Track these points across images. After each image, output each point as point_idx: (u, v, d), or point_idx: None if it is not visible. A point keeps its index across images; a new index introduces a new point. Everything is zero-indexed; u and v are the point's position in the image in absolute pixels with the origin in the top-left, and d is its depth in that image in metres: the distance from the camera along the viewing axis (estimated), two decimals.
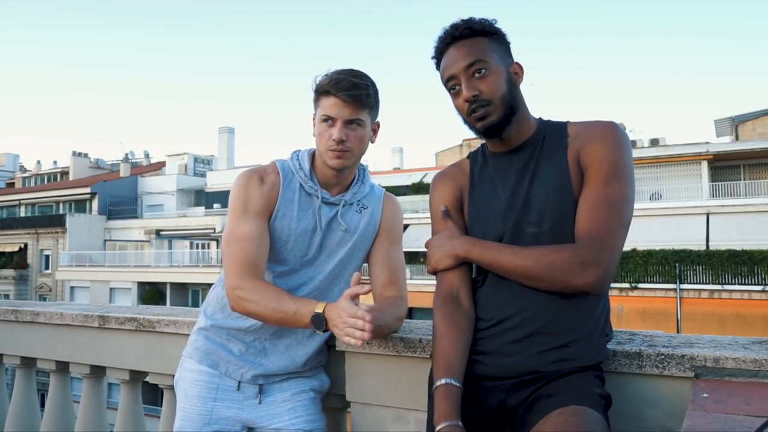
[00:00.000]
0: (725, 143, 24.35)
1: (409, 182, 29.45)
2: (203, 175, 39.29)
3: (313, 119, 1.64)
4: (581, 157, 1.35)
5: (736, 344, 1.42)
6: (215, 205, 33.49)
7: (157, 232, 33.69)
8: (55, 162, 49.78)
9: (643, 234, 19.30)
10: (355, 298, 1.40)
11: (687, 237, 20.39)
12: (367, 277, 1.68)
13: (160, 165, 43.04)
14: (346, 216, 1.69)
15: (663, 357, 1.37)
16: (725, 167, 23.27)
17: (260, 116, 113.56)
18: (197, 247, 32.89)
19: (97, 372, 2.48)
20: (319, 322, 1.43)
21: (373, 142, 1.66)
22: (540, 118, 1.47)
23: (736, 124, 26.51)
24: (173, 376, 1.84)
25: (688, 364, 1.34)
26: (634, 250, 20.02)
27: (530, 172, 1.39)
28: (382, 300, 1.67)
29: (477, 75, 1.36)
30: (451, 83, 1.40)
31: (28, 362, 2.68)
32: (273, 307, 1.49)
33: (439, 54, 1.43)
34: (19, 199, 41.13)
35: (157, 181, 38.73)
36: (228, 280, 1.57)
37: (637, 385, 1.40)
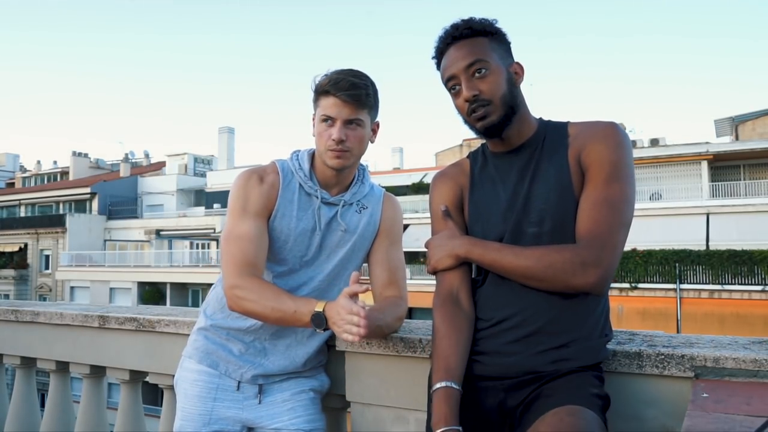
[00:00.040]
0: (725, 143, 24.35)
1: (409, 182, 29.46)
2: (203, 175, 39.30)
3: (313, 119, 1.64)
4: (582, 158, 1.35)
5: (736, 344, 1.42)
6: (215, 205, 33.50)
7: (157, 232, 33.69)
8: (55, 162, 49.83)
9: (643, 234, 19.30)
10: (353, 296, 1.40)
11: (687, 237, 20.39)
12: (367, 277, 1.68)
13: (160, 165, 43.05)
14: (346, 216, 1.69)
15: (663, 357, 1.37)
16: (725, 167, 23.28)
17: (260, 116, 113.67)
18: (197, 247, 32.91)
19: (97, 372, 2.48)
20: (320, 320, 1.43)
21: (372, 142, 1.66)
22: (540, 118, 1.47)
23: (736, 124, 26.52)
24: (173, 376, 1.84)
25: (688, 364, 1.34)
26: (634, 250, 20.02)
27: (531, 172, 1.39)
28: (382, 300, 1.67)
29: (477, 75, 1.36)
30: (451, 83, 1.40)
31: (28, 362, 2.68)
32: (272, 306, 1.49)
33: (440, 54, 1.43)
34: (19, 199, 41.14)
35: (157, 181, 38.74)
36: (226, 280, 1.57)
37: (637, 385, 1.40)
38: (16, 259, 35.48)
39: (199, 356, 1.73)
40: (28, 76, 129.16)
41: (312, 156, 1.70)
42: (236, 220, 1.60)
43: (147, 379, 2.37)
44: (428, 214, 1.56)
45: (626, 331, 1.60)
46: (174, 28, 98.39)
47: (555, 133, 1.42)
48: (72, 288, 32.84)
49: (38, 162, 50.44)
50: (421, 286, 17.66)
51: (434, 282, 1.48)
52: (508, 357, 1.34)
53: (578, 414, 1.17)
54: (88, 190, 36.75)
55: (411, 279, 20.11)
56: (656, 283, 20.16)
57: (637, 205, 1.36)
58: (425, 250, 1.51)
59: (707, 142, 23.84)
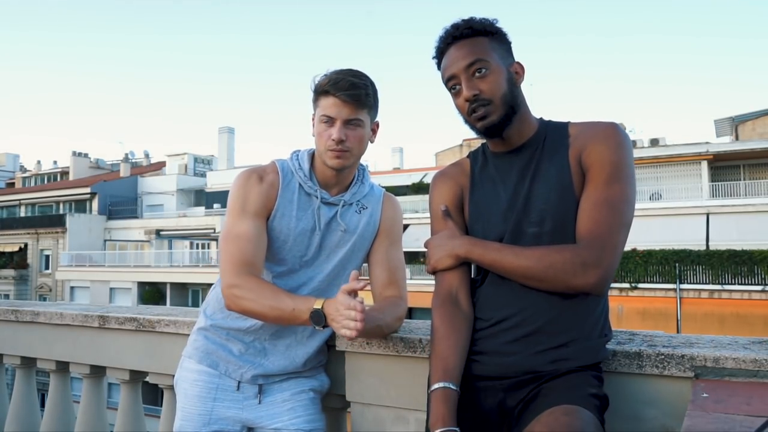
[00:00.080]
0: (725, 143, 24.36)
1: (409, 182, 29.46)
2: (203, 175, 39.30)
3: (312, 119, 1.64)
4: (583, 158, 1.35)
5: (736, 344, 1.41)
6: (215, 205, 33.50)
7: (157, 232, 33.69)
8: (55, 162, 49.84)
9: (643, 234, 19.30)
10: (351, 293, 1.40)
11: (687, 237, 20.39)
12: (367, 277, 1.68)
13: (160, 165, 43.06)
14: (346, 216, 1.69)
15: (663, 357, 1.37)
16: (725, 167, 23.28)
17: (260, 115, 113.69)
18: (197, 247, 32.91)
19: (97, 372, 2.48)
20: (319, 318, 1.43)
21: (372, 142, 1.66)
22: (541, 119, 1.47)
23: (736, 124, 26.53)
24: (173, 376, 1.84)
25: (688, 364, 1.34)
26: (634, 250, 20.02)
27: (531, 172, 1.39)
28: (382, 300, 1.67)
29: (477, 74, 1.36)
30: (451, 83, 1.40)
31: (28, 362, 2.68)
32: (270, 304, 1.49)
33: (440, 54, 1.43)
34: (19, 199, 41.15)
35: (157, 181, 38.74)
36: (225, 279, 1.56)
37: (637, 385, 1.40)
38: (16, 259, 35.48)
39: (199, 356, 1.73)
40: (28, 75, 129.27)
41: (312, 156, 1.70)
42: (235, 220, 1.60)
43: (147, 379, 2.37)
44: (428, 214, 1.56)
45: (626, 331, 1.60)
46: (174, 27, 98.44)
47: (556, 133, 1.42)
48: (72, 288, 32.83)
49: (38, 162, 50.47)
50: (421, 286, 17.65)
51: (434, 282, 1.48)
52: (508, 357, 1.34)
53: (574, 414, 1.17)
54: (88, 190, 36.75)
55: (411, 279, 20.10)
56: (656, 283, 20.16)
57: (637, 205, 1.36)
58: (425, 250, 1.51)
59: (707, 142, 23.84)
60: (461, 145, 29.82)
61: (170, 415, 2.19)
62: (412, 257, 22.53)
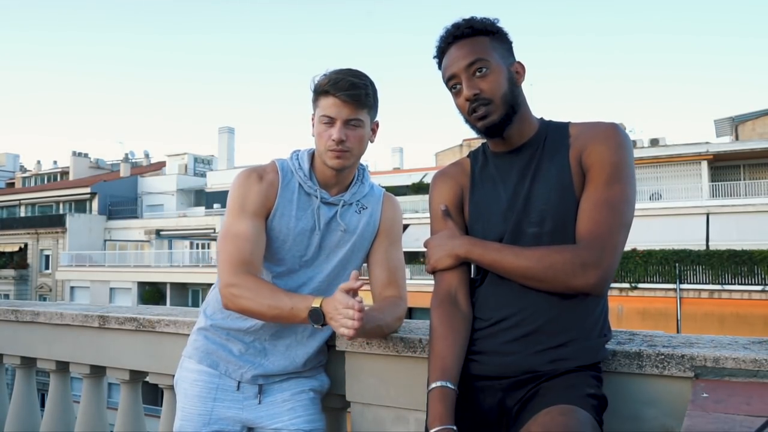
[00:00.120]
0: (725, 143, 24.36)
1: (409, 182, 29.46)
2: (203, 175, 39.30)
3: (312, 119, 1.64)
4: (583, 158, 1.35)
5: (736, 344, 1.41)
6: (215, 205, 33.50)
7: (157, 232, 33.69)
8: (55, 162, 49.85)
9: (643, 234, 19.30)
10: (349, 292, 1.40)
11: (687, 237, 20.39)
12: (367, 277, 1.68)
13: (160, 165, 43.06)
14: (346, 216, 1.69)
15: (663, 357, 1.37)
16: (725, 167, 23.28)
17: (260, 115, 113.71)
18: (197, 247, 32.91)
19: (97, 372, 2.48)
20: (317, 316, 1.43)
21: (372, 142, 1.66)
22: (541, 118, 1.47)
23: (736, 124, 26.52)
24: (173, 376, 1.84)
25: (688, 364, 1.34)
26: (634, 250, 20.02)
27: (531, 172, 1.39)
28: (382, 300, 1.67)
29: (478, 74, 1.36)
30: (452, 82, 1.40)
31: (28, 362, 2.68)
32: (269, 303, 1.49)
33: (441, 53, 1.43)
34: (19, 199, 41.15)
35: (157, 181, 38.74)
36: (222, 278, 1.56)
37: (637, 385, 1.40)
38: (16, 259, 35.48)
39: (199, 356, 1.73)
40: (27, 75, 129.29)
41: (312, 156, 1.70)
42: (234, 219, 1.60)
43: (147, 379, 2.37)
44: (428, 214, 1.56)
45: (626, 331, 1.60)
46: (174, 27, 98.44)
47: (556, 133, 1.42)
48: (72, 288, 32.84)
49: (38, 162, 50.47)
50: (420, 286, 17.64)
51: (433, 282, 1.48)
52: (507, 356, 1.34)
53: (570, 414, 1.17)
54: (88, 190, 36.76)
55: (411, 279, 20.10)
56: (656, 283, 20.16)
57: (637, 205, 1.36)
58: (425, 249, 1.51)
59: (707, 142, 23.84)
60: (461, 145, 29.82)
61: (170, 415, 2.19)
62: (412, 257, 22.53)
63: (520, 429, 1.23)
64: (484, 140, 1.51)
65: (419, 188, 27.77)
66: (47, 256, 34.85)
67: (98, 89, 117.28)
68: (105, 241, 35.22)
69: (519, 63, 1.42)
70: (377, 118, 1.66)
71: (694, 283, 19.70)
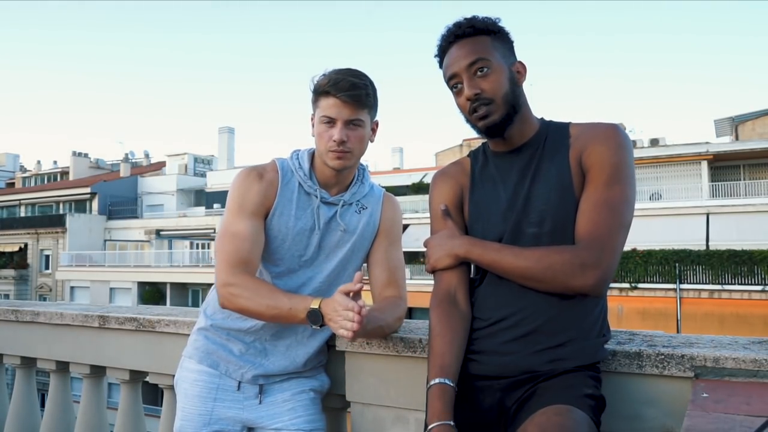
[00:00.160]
0: (725, 143, 24.36)
1: (409, 182, 29.46)
2: (203, 175, 39.30)
3: (312, 120, 1.63)
4: (583, 159, 1.35)
5: (736, 344, 1.41)
6: (215, 205, 33.50)
7: (157, 232, 33.69)
8: (55, 162, 49.85)
9: (643, 234, 19.30)
10: (348, 294, 1.40)
11: (687, 237, 20.39)
12: (366, 277, 1.68)
13: (160, 165, 43.06)
14: (345, 216, 1.69)
15: (663, 357, 1.36)
16: (725, 167, 23.28)
17: (260, 114, 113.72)
18: (197, 247, 32.90)
19: (97, 372, 2.48)
20: (315, 317, 1.43)
21: (372, 141, 1.66)
22: (542, 119, 1.47)
23: (736, 124, 26.52)
24: (173, 376, 1.84)
25: (688, 364, 1.34)
26: (634, 250, 20.02)
27: (531, 172, 1.39)
28: (382, 300, 1.66)
29: (479, 74, 1.36)
30: (453, 81, 1.40)
31: (28, 362, 2.68)
32: (267, 303, 1.49)
33: (442, 52, 1.43)
34: (19, 199, 41.15)
35: (157, 181, 38.74)
36: (220, 277, 1.56)
37: (637, 385, 1.40)
38: (16, 259, 35.48)
39: (200, 356, 1.73)
40: (27, 74, 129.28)
41: (312, 155, 1.70)
42: (233, 218, 1.60)
43: (147, 379, 2.37)
44: (428, 214, 1.56)
45: (626, 331, 1.60)
46: (174, 26, 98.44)
47: (557, 133, 1.42)
48: (72, 288, 32.84)
49: (38, 162, 50.47)
50: (420, 286, 17.65)
51: (433, 282, 1.48)
52: (505, 356, 1.34)
53: (566, 414, 1.18)
54: (88, 190, 36.76)
55: (411, 279, 20.10)
56: (656, 283, 20.16)
57: (637, 205, 1.36)
58: (425, 249, 1.51)
59: (707, 142, 23.84)
60: (461, 145, 29.82)
61: (170, 415, 2.19)
62: (412, 257, 22.53)
63: (517, 429, 1.23)
64: (485, 140, 1.51)
65: (419, 188, 27.77)
66: (47, 256, 34.85)
67: (98, 88, 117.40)
68: (105, 241, 35.23)
69: (520, 63, 1.42)
70: (377, 118, 1.66)
71: (694, 283, 19.70)
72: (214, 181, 35.47)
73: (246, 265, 1.56)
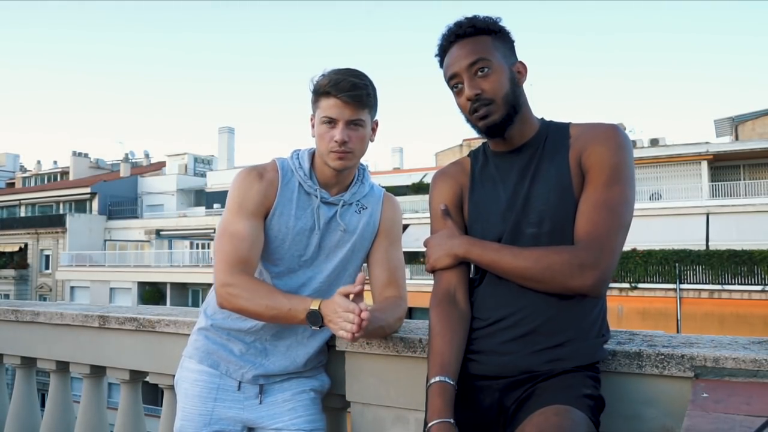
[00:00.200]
0: (725, 143, 24.36)
1: (409, 182, 29.46)
2: (203, 175, 39.30)
3: (311, 120, 1.63)
4: (583, 159, 1.35)
5: (736, 344, 1.42)
6: (215, 205, 33.50)
7: (157, 232, 33.69)
8: (55, 162, 49.85)
9: (643, 234, 19.30)
10: (348, 296, 1.40)
11: (687, 237, 20.40)
12: (366, 278, 1.68)
13: (160, 165, 43.06)
14: (345, 216, 1.69)
15: (663, 357, 1.37)
16: (725, 167, 23.28)
17: (260, 113, 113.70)
18: (197, 247, 32.91)
19: (97, 372, 2.48)
20: (315, 318, 1.43)
21: (372, 141, 1.66)
22: (542, 119, 1.47)
23: (736, 124, 26.52)
24: (173, 376, 1.84)
25: (688, 364, 1.34)
26: (634, 250, 20.02)
27: (531, 172, 1.39)
28: (382, 300, 1.67)
29: (480, 74, 1.36)
30: (453, 81, 1.40)
31: (28, 362, 2.68)
32: (267, 304, 1.49)
33: (443, 52, 1.43)
34: (19, 199, 41.15)
35: (157, 181, 38.74)
36: (218, 277, 1.56)
37: (637, 384, 1.40)
38: (16, 259, 35.48)
39: (200, 356, 1.73)
40: (27, 74, 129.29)
41: (312, 155, 1.70)
42: (232, 218, 1.60)
43: (147, 379, 2.37)
44: (428, 214, 1.56)
45: (626, 331, 1.60)
46: (174, 26, 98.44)
47: (557, 133, 1.42)
48: (72, 288, 32.84)
49: (38, 162, 50.47)
50: (420, 286, 17.65)
51: (433, 281, 1.48)
52: (504, 356, 1.34)
53: (564, 414, 1.18)
54: (88, 190, 36.76)
55: (411, 279, 20.11)
56: (656, 283, 20.16)
57: (637, 205, 1.36)
58: (425, 249, 1.51)
59: (707, 142, 23.85)
60: (461, 145, 29.82)
61: (170, 415, 2.19)
62: (412, 257, 22.53)
63: (516, 429, 1.23)
64: (485, 140, 1.51)
65: (419, 188, 27.77)
66: (47, 256, 34.86)
67: (98, 88, 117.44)
68: (105, 241, 35.23)
69: (521, 63, 1.42)
70: (376, 117, 1.66)
71: (694, 283, 19.70)
72: (214, 181, 35.47)
73: (245, 266, 1.56)
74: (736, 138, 25.77)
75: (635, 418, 1.39)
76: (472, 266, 1.47)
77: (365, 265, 1.78)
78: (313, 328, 1.46)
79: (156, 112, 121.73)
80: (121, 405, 2.42)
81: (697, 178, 22.66)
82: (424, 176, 28.72)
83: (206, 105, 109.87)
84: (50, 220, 35.35)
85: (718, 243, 19.87)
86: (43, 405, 2.65)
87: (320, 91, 1.56)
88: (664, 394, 1.37)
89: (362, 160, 1.72)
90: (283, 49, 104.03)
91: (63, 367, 2.57)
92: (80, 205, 37.78)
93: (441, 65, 1.44)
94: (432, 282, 1.49)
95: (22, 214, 40.11)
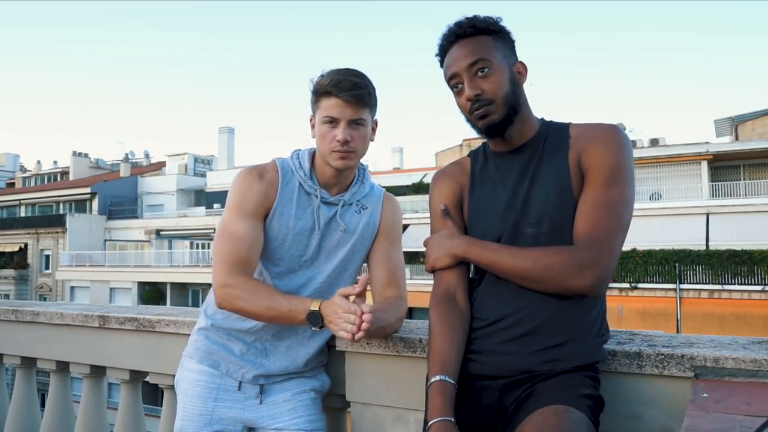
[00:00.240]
0: (725, 143, 24.36)
1: (409, 182, 29.46)
2: (203, 175, 39.30)
3: (311, 121, 1.63)
4: (582, 159, 1.35)
5: (736, 344, 1.42)
6: (215, 205, 33.50)
7: (157, 232, 33.69)
8: (55, 162, 49.84)
9: (643, 234, 19.31)
10: (347, 297, 1.41)
11: (687, 237, 20.40)
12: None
13: (160, 165, 43.06)
14: (345, 216, 1.69)
15: (663, 357, 1.37)
16: (725, 167, 23.28)
17: (261, 113, 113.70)
18: (197, 247, 32.90)
19: (97, 372, 2.48)
20: (315, 319, 1.44)
21: (372, 141, 1.66)
22: (542, 119, 1.47)
23: (735, 124, 26.52)
24: (173, 376, 1.84)
25: (688, 364, 1.34)
26: (634, 250, 20.02)
27: (531, 172, 1.39)
28: (383, 300, 1.67)
29: (480, 74, 1.36)
30: (453, 81, 1.40)
31: (28, 362, 2.68)
32: (266, 305, 1.50)
33: (443, 51, 1.43)
34: (19, 199, 41.14)
35: (157, 181, 38.74)
36: (217, 277, 1.56)
37: (637, 384, 1.40)
38: (16, 259, 35.48)
39: (200, 356, 1.73)
40: (28, 73, 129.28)
41: (313, 155, 1.70)
42: (232, 218, 1.60)
43: (147, 379, 2.37)
44: (428, 214, 1.56)
45: (626, 331, 1.60)
46: (174, 26, 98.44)
47: (557, 133, 1.42)
48: (72, 288, 32.84)
49: (38, 162, 50.46)
50: (420, 286, 17.64)
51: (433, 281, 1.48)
52: (503, 356, 1.34)
53: (564, 414, 1.18)
54: (88, 190, 36.76)
55: (411, 279, 20.10)
56: (656, 283, 20.16)
57: (637, 205, 1.36)
58: (425, 249, 1.51)
59: (707, 142, 23.84)
60: (461, 145, 29.82)
61: (170, 415, 2.19)
62: (412, 257, 22.53)
63: (515, 429, 1.23)
64: (485, 140, 1.51)
65: (419, 188, 27.77)
66: (47, 256, 34.85)
67: (98, 88, 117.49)
68: (105, 241, 35.22)
69: (521, 63, 1.42)
70: (376, 117, 1.66)
71: (694, 283, 19.70)
72: (214, 181, 35.46)
73: (244, 266, 1.56)
74: (736, 138, 25.77)
75: (635, 418, 1.39)
76: (471, 266, 1.47)
77: (365, 265, 1.78)
78: (313, 329, 1.46)
79: (156, 112, 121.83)
80: (121, 405, 2.42)
81: (697, 178, 22.66)
82: (424, 176, 28.72)
83: (206, 105, 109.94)
84: (50, 220, 35.35)
85: (718, 243, 19.87)
86: (43, 405, 2.65)
87: (321, 91, 1.56)
88: (664, 394, 1.37)
89: (362, 160, 1.72)
90: (283, 49, 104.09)
91: (63, 367, 2.57)
92: (80, 205, 37.78)
93: (441, 65, 1.44)
94: (432, 282, 1.49)
95: (22, 214, 40.11)
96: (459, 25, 1.39)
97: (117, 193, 37.34)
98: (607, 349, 1.40)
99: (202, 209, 35.13)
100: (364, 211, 1.71)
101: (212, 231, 30.77)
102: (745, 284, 19.07)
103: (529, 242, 1.35)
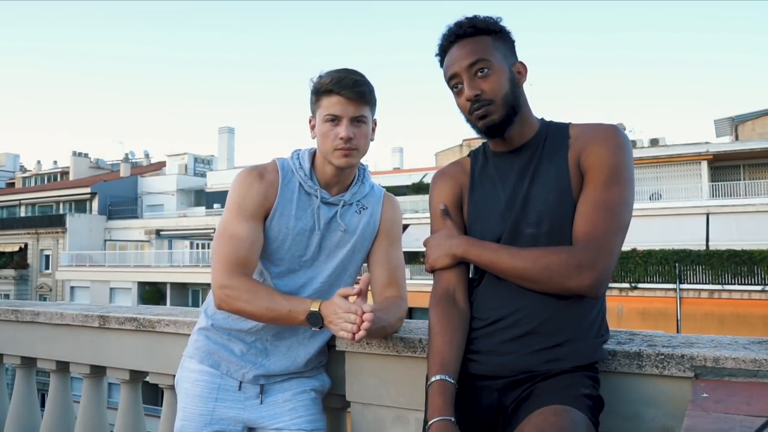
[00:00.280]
0: (725, 143, 24.36)
1: (409, 182, 29.47)
2: (203, 175, 39.30)
3: (310, 122, 1.63)
4: (582, 160, 1.35)
5: (736, 344, 1.42)
6: (215, 205, 33.51)
7: (157, 232, 33.69)
8: (55, 162, 49.84)
9: (643, 234, 19.31)
10: (347, 298, 1.41)
11: (687, 237, 20.40)
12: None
13: (160, 165, 43.06)
14: (346, 216, 1.69)
15: (663, 357, 1.37)
16: (725, 167, 23.28)
17: (261, 114, 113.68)
18: (197, 247, 32.90)
19: (97, 372, 2.48)
20: (315, 319, 1.44)
21: (372, 140, 1.66)
22: (542, 119, 1.47)
23: (736, 124, 26.52)
24: (173, 376, 1.84)
25: (688, 364, 1.34)
26: (634, 250, 20.02)
27: (531, 172, 1.39)
28: (383, 300, 1.67)
29: (479, 74, 1.36)
30: (453, 81, 1.40)
31: (28, 362, 2.68)
32: (266, 306, 1.50)
33: (443, 52, 1.43)
34: (19, 199, 41.14)
35: (157, 181, 38.74)
36: (216, 278, 1.56)
37: (637, 384, 1.40)
38: (17, 259, 35.48)
39: (201, 356, 1.73)
40: (28, 73, 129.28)
41: (313, 155, 1.70)
42: (232, 219, 1.60)
43: (147, 379, 2.37)
44: (428, 215, 1.56)
45: (626, 331, 1.60)
46: (174, 25, 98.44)
47: (556, 134, 1.42)
48: (72, 288, 32.83)
49: (38, 162, 50.46)
50: (420, 286, 17.64)
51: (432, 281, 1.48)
52: (503, 356, 1.34)
53: (563, 414, 1.18)
54: (88, 190, 36.76)
55: (411, 279, 20.11)
56: (656, 283, 20.16)
57: (637, 205, 1.36)
58: (425, 249, 1.51)
59: (707, 142, 23.84)
60: (461, 145, 29.81)
61: (170, 415, 2.19)
62: (412, 257, 22.53)
63: (515, 429, 1.23)
64: (485, 140, 1.51)
65: (419, 188, 27.77)
66: (47, 256, 34.85)
67: (98, 88, 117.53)
68: (105, 241, 35.22)
69: (521, 63, 1.42)
70: (375, 116, 1.66)
71: (694, 283, 19.70)
72: (214, 181, 35.46)
73: (243, 267, 1.55)
74: (736, 138, 25.76)
75: (635, 418, 1.39)
76: (471, 266, 1.47)
77: (365, 265, 1.78)
78: (313, 329, 1.46)
79: (156, 112, 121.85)
80: (121, 405, 2.42)
81: (697, 178, 22.66)
82: (424, 176, 28.72)
83: (206, 105, 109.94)
84: (50, 220, 35.35)
85: (718, 243, 19.87)
86: (43, 405, 2.65)
87: (322, 90, 1.56)
88: (664, 394, 1.37)
89: (362, 161, 1.72)
90: (283, 49, 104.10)
91: (63, 367, 2.57)
92: (80, 205, 37.77)
93: (441, 65, 1.44)
94: (432, 282, 1.49)
95: (22, 214, 40.10)
96: (459, 25, 1.39)
97: (117, 193, 37.34)
98: (607, 349, 1.40)
99: (202, 209, 35.13)
100: (364, 211, 1.71)
101: (212, 231, 30.75)
102: (745, 284, 19.07)
103: (529, 242, 1.35)
